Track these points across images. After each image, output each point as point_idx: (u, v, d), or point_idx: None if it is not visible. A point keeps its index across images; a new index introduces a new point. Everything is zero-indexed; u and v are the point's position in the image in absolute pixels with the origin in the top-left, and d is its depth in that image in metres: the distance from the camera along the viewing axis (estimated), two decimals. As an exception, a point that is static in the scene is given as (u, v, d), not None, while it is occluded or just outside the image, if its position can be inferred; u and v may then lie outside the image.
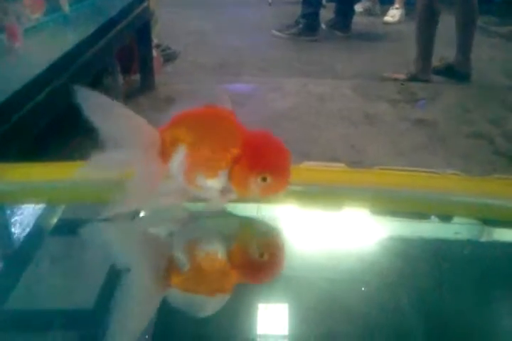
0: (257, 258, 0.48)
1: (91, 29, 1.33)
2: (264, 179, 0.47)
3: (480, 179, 0.55)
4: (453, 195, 0.52)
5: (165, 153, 0.49)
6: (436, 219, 0.56)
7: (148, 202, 0.51)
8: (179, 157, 0.49)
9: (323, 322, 0.43)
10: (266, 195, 0.49)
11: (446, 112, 1.97)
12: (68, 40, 1.25)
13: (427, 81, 2.25)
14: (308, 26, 2.93)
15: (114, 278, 0.48)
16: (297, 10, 3.01)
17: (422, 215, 0.54)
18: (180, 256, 0.49)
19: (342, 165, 0.55)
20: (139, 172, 0.49)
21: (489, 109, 1.99)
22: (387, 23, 3.38)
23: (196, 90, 0.50)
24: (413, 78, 2.26)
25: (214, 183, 0.48)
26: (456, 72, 2.29)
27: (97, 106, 0.49)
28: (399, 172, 0.54)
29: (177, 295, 0.43)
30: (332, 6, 3.23)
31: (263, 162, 0.48)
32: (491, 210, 0.52)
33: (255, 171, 0.47)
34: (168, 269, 0.47)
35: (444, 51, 2.34)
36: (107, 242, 0.53)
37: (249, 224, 0.55)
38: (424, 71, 2.25)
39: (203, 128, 0.48)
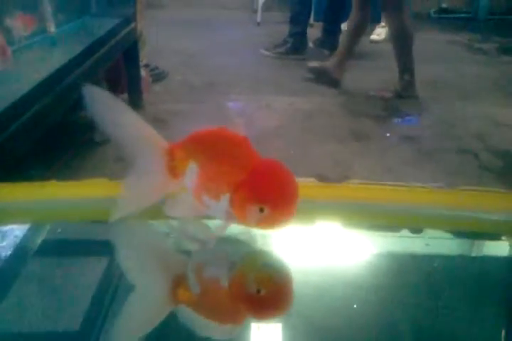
0: (262, 296, 0.46)
1: (77, 50, 1.34)
2: (262, 210, 0.45)
3: (448, 191, 0.55)
4: (422, 207, 0.53)
5: (177, 168, 0.51)
6: (409, 233, 0.56)
7: (143, 208, 0.52)
8: (192, 174, 0.50)
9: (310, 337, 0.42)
10: (265, 227, 0.47)
11: (431, 128, 2.00)
12: (53, 61, 1.26)
13: (412, 97, 2.28)
14: (296, 45, 2.98)
15: (124, 289, 0.49)
16: (285, 29, 3.06)
17: (395, 229, 0.54)
18: (192, 276, 0.49)
19: (312, 179, 0.55)
20: (142, 180, 0.51)
21: (475, 125, 2.01)
22: (373, 42, 3.44)
23: (209, 110, 0.51)
24: (399, 95, 2.30)
25: (217, 205, 0.48)
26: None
27: (109, 111, 0.50)
28: (370, 186, 0.54)
29: (185, 314, 0.44)
30: (319, 25, 3.30)
31: (262, 192, 0.46)
32: (462, 222, 0.53)
33: (253, 200, 0.46)
34: (178, 286, 0.47)
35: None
36: (122, 252, 0.53)
37: (260, 255, 0.53)
38: (408, 88, 2.29)
39: (216, 149, 0.49)
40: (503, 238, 0.54)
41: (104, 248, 0.56)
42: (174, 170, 0.51)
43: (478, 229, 0.53)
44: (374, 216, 0.53)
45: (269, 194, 0.46)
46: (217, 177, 0.48)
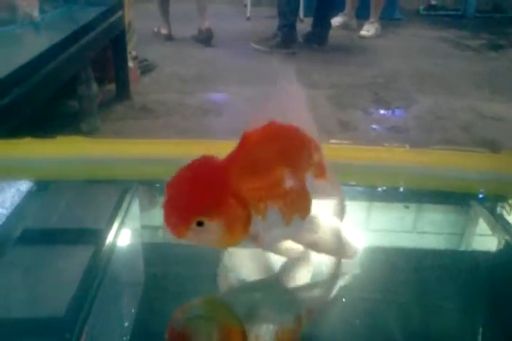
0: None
1: (60, 36, 1.33)
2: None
3: (426, 151, 0.56)
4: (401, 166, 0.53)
5: None
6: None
7: None
8: None
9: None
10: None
11: (418, 119, 2.01)
12: (34, 47, 1.24)
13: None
14: (286, 39, 2.98)
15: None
16: (275, 24, 3.06)
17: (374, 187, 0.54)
18: None
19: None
20: None
21: (461, 119, 2.03)
22: (362, 37, 3.45)
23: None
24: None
25: None
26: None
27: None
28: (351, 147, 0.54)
29: None
30: (310, 20, 3.30)
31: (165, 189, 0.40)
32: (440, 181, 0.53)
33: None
34: None
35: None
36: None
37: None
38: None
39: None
40: (480, 196, 0.54)
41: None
42: None
43: (456, 188, 0.53)
44: (354, 175, 0.53)
45: (165, 195, 0.40)
46: None
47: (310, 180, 0.44)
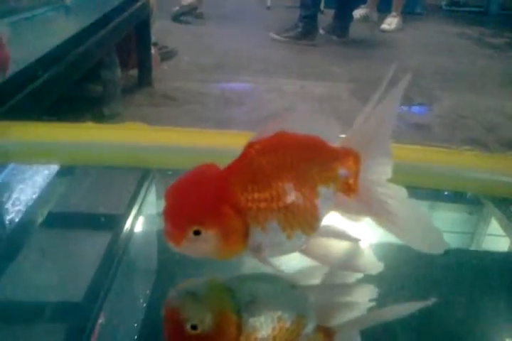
0: None
1: (90, 20, 1.32)
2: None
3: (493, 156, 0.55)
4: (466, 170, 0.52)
5: None
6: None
7: None
8: None
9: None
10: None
11: (440, 117, 1.99)
12: (66, 30, 1.24)
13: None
14: (307, 30, 2.95)
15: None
16: (295, 14, 3.03)
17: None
18: None
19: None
20: None
21: (485, 118, 2.00)
22: (383, 31, 3.41)
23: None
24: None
25: None
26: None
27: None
28: (415, 147, 0.54)
29: None
30: (331, 12, 3.26)
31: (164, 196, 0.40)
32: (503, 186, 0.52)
33: None
34: None
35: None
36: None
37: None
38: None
39: None
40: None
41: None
42: None
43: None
44: (416, 177, 0.52)
45: (164, 203, 0.39)
46: None
47: (328, 195, 0.42)
